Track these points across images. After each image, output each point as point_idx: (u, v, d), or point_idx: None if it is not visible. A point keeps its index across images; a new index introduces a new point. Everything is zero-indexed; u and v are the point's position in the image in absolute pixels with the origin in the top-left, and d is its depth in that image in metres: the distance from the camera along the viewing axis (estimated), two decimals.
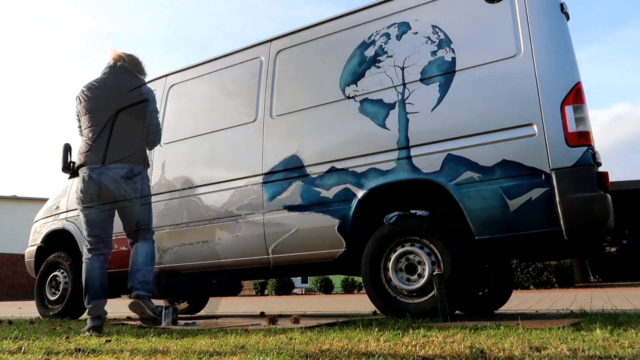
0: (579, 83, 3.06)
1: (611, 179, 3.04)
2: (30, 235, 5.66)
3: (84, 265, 3.27)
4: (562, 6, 3.25)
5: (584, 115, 2.99)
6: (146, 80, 5.18)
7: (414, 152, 3.37)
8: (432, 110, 3.37)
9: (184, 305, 5.97)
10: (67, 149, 5.27)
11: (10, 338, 2.65)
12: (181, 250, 4.33)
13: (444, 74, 3.39)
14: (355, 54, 3.82)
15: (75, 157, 3.51)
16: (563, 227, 2.89)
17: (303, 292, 22.57)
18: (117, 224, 4.75)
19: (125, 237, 4.69)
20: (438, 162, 3.27)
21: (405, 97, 3.50)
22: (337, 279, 20.82)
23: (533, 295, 8.92)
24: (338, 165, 3.65)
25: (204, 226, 4.25)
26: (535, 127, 3.03)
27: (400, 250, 3.36)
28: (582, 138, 2.95)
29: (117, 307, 9.44)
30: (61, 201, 5.35)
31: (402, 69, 3.57)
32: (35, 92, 68.42)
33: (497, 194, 3.05)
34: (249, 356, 1.79)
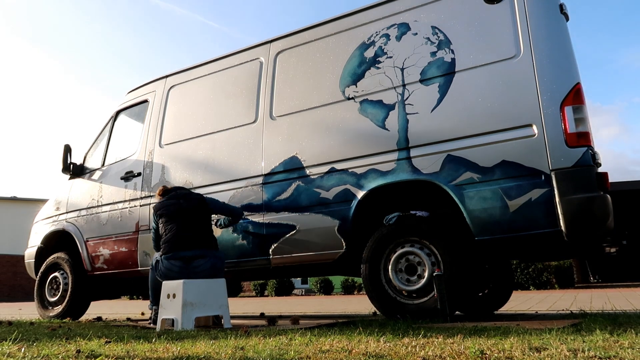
0: (578, 83, 3.06)
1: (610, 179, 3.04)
2: (30, 236, 5.66)
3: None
4: (561, 7, 3.26)
5: (584, 115, 3.00)
6: (148, 85, 5.20)
7: (413, 152, 3.37)
8: (432, 111, 3.37)
9: None
10: (68, 150, 5.27)
11: (10, 339, 2.65)
12: None
13: (443, 74, 3.40)
14: (355, 55, 3.83)
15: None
16: (563, 228, 2.89)
17: (303, 293, 22.55)
18: (116, 225, 4.78)
19: (125, 238, 4.71)
20: (438, 163, 3.27)
21: (405, 98, 3.50)
22: (337, 280, 20.81)
23: (533, 295, 8.92)
24: (338, 166, 3.66)
25: None
26: (534, 127, 3.03)
27: (400, 251, 3.37)
28: (582, 139, 2.95)
29: (118, 308, 9.45)
30: (61, 202, 5.35)
31: (402, 69, 3.58)
32: (36, 93, 68.43)
33: (496, 195, 3.06)
34: (249, 357, 1.79)
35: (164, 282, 3.48)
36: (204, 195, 3.98)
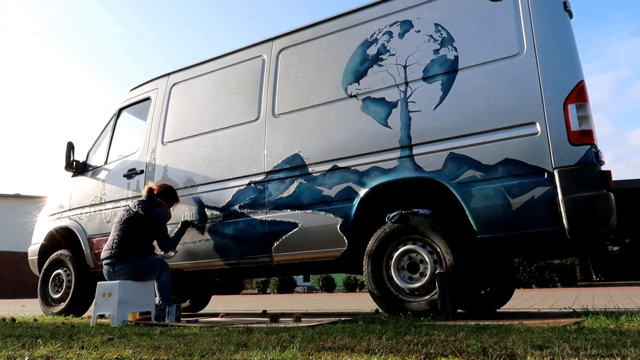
0: (582, 81, 3.05)
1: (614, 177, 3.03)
2: (33, 233, 5.68)
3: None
4: (565, 4, 3.24)
5: (587, 113, 2.99)
6: (151, 82, 5.21)
7: (416, 150, 3.37)
8: (435, 108, 3.37)
9: (185, 303, 5.98)
10: (70, 147, 5.29)
11: (14, 336, 2.66)
12: (183, 249, 4.34)
13: (446, 72, 3.39)
14: (358, 52, 3.82)
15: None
16: (565, 226, 2.88)
17: (305, 291, 22.58)
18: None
19: None
20: (440, 161, 3.26)
21: (407, 96, 3.50)
22: (339, 278, 20.82)
23: (535, 294, 8.91)
24: (340, 164, 3.66)
25: (206, 225, 4.26)
26: (537, 125, 3.02)
27: (402, 249, 3.37)
28: (585, 137, 2.94)
29: None
30: (64, 200, 5.37)
31: (405, 67, 3.57)
32: (39, 90, 68.56)
33: (499, 193, 3.05)
34: (251, 354, 1.79)
35: (99, 283, 3.86)
36: (155, 213, 4.01)
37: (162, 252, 4.18)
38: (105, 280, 3.94)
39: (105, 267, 3.96)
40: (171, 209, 4.37)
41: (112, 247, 3.95)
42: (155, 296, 3.96)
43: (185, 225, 4.31)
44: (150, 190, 4.19)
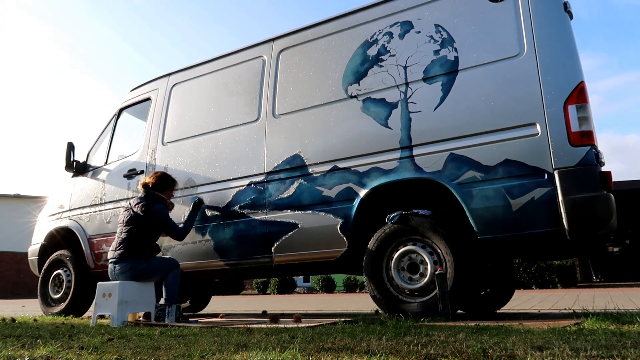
0: (582, 82, 3.05)
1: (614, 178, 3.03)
2: (33, 234, 5.68)
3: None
4: (565, 5, 3.24)
5: (587, 114, 2.99)
6: (151, 83, 5.20)
7: (416, 151, 3.37)
8: (435, 109, 3.37)
9: (185, 303, 5.98)
10: (71, 147, 5.29)
11: (14, 336, 2.66)
12: (183, 250, 4.34)
13: (446, 73, 3.39)
14: (358, 53, 3.82)
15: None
16: (565, 227, 2.88)
17: (305, 291, 22.57)
18: (115, 223, 4.79)
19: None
20: (440, 162, 3.26)
21: (407, 96, 3.50)
22: (339, 278, 20.81)
23: (535, 294, 8.90)
24: (340, 165, 3.65)
25: (206, 225, 4.26)
26: (538, 126, 3.02)
27: (402, 250, 3.37)
28: (585, 137, 2.94)
29: None
30: (64, 200, 5.37)
31: (405, 68, 3.57)
32: (39, 90, 68.56)
33: (499, 194, 3.05)
34: (251, 354, 1.79)
35: (99, 283, 3.89)
36: (154, 211, 3.97)
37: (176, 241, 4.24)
38: (109, 278, 3.95)
39: (109, 266, 3.99)
40: (172, 194, 4.34)
41: (116, 247, 3.97)
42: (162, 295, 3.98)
43: (198, 206, 4.23)
44: (145, 185, 4.15)
